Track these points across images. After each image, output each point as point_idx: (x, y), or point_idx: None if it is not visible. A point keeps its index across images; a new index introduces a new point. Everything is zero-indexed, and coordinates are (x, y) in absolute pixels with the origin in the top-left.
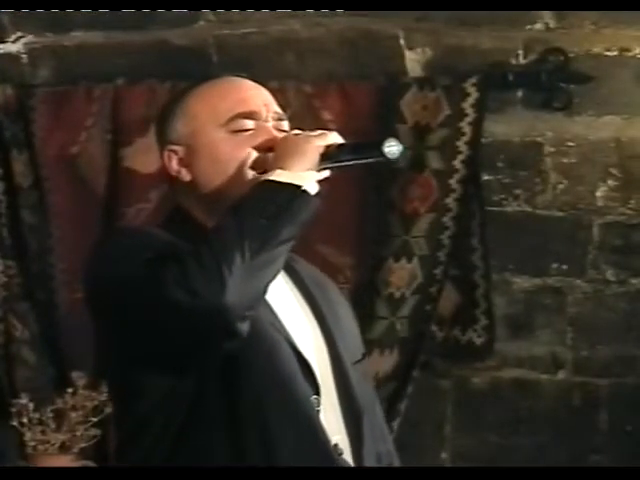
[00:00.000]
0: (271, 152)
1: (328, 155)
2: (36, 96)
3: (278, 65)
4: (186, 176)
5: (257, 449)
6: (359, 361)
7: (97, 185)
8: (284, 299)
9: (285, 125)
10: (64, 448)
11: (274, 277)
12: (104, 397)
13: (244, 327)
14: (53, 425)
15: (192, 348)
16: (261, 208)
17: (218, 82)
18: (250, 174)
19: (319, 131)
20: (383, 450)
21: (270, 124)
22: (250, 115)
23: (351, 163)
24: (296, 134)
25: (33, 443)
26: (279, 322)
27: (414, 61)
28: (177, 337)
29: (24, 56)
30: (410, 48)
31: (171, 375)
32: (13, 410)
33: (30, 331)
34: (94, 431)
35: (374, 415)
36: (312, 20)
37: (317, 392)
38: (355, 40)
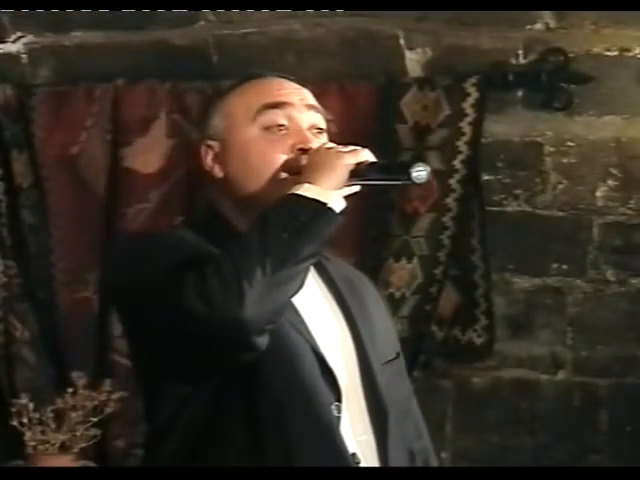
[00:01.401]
0: (304, 153)
1: (357, 172)
2: (36, 96)
3: (278, 65)
4: (219, 173)
5: (276, 453)
6: (392, 360)
7: (97, 185)
8: (312, 299)
9: (321, 121)
10: (64, 448)
11: (295, 293)
12: (104, 397)
13: (262, 341)
14: (53, 425)
15: (209, 357)
16: (285, 223)
17: (257, 80)
18: (283, 176)
19: (351, 147)
20: (417, 447)
21: (304, 119)
22: (278, 105)
23: (378, 183)
24: (328, 148)
25: (33, 443)
26: (304, 325)
27: (414, 61)
28: (195, 346)
29: (24, 56)
30: (410, 48)
31: (190, 380)
32: (13, 410)
33: (30, 331)
34: (94, 431)
35: (406, 413)
36: (312, 20)
37: (339, 398)
38: (355, 40)
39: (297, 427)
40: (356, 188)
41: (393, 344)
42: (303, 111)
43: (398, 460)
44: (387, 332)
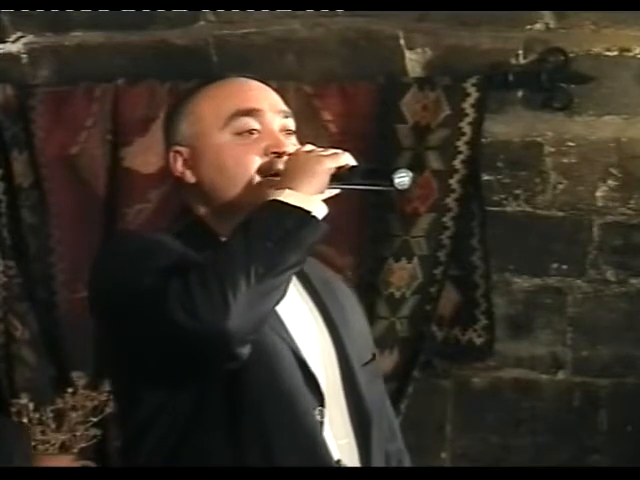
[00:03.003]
0: (278, 156)
1: (338, 177)
2: (36, 96)
3: (278, 65)
4: (191, 178)
5: (257, 460)
6: (369, 362)
7: (97, 185)
8: (292, 303)
9: (291, 124)
10: (64, 448)
11: (279, 302)
12: (104, 397)
13: (245, 351)
14: (53, 425)
15: (190, 366)
16: (269, 231)
17: (223, 82)
18: (257, 179)
19: (331, 150)
20: (392, 449)
21: (275, 123)
22: (250, 112)
23: (359, 188)
24: (307, 151)
25: (33, 443)
26: (285, 330)
27: (414, 61)
28: (176, 354)
29: (24, 56)
30: (410, 48)
31: (169, 388)
32: (13, 410)
33: (30, 331)
34: (94, 431)
35: (384, 415)
36: (312, 20)
37: (322, 403)
38: (355, 40)
39: (279, 434)
40: (335, 191)
41: (370, 345)
42: (274, 116)
43: (379, 463)
44: (364, 333)
